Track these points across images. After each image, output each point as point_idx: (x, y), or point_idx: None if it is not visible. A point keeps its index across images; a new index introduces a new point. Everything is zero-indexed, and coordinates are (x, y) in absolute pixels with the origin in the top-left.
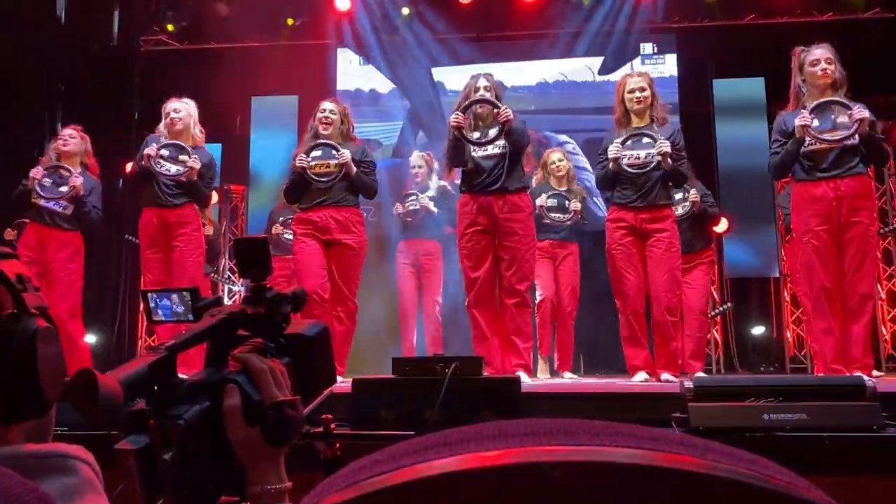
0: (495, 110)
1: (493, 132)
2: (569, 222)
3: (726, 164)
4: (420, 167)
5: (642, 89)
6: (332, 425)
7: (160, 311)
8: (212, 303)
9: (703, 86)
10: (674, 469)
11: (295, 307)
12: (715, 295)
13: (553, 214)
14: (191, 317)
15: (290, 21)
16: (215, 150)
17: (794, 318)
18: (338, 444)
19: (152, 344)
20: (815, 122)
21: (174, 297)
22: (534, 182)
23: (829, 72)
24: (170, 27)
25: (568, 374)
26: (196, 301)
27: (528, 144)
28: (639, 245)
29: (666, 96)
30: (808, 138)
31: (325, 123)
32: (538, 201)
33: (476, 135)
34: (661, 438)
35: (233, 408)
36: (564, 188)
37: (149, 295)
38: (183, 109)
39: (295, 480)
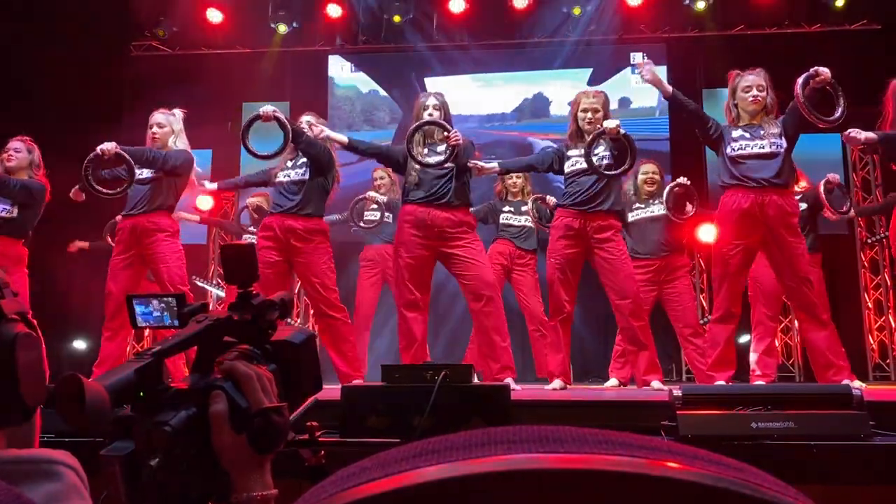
0: (444, 133)
1: (439, 152)
2: (528, 223)
3: (715, 174)
4: (382, 179)
5: (595, 111)
6: (318, 432)
7: (144, 317)
8: (197, 308)
9: (692, 95)
10: (662, 477)
11: (282, 313)
12: (704, 304)
13: (512, 218)
14: (176, 322)
15: (281, 27)
16: (205, 155)
17: (781, 327)
18: (322, 452)
19: (140, 350)
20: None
21: (158, 302)
22: (495, 191)
23: (759, 98)
24: (161, 33)
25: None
26: (182, 307)
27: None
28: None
29: (656, 105)
30: (735, 145)
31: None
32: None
33: (424, 150)
34: (649, 446)
35: (219, 414)
36: (519, 199)
37: (133, 300)
38: (166, 124)
39: (279, 488)
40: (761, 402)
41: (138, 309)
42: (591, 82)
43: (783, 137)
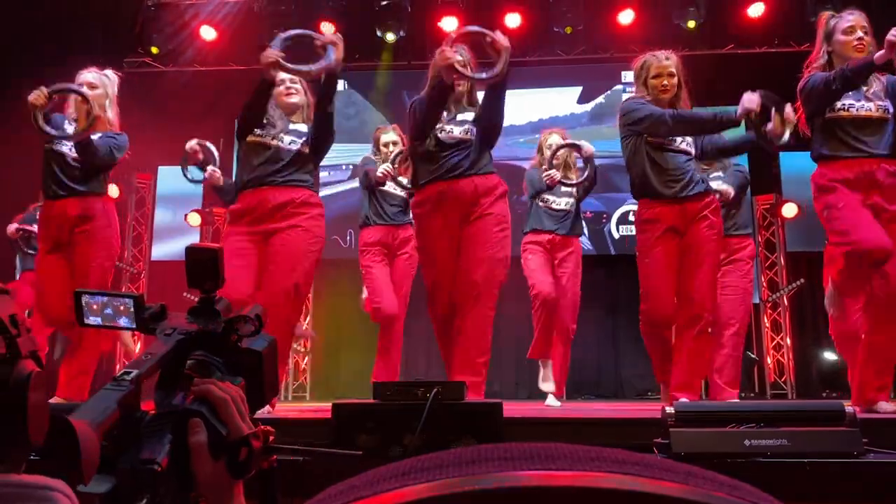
0: (488, 38)
1: (467, 114)
2: (570, 207)
3: None
4: (395, 143)
5: (672, 75)
6: (271, 437)
7: (94, 317)
8: (158, 313)
9: None
10: (657, 494)
11: (257, 328)
12: None
13: (552, 201)
14: (133, 326)
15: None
16: (195, 173)
17: (773, 343)
18: (274, 457)
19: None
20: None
21: (112, 302)
22: (529, 165)
23: (865, 42)
24: (154, 50)
25: (551, 400)
26: (140, 310)
27: (501, 128)
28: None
29: None
30: (846, 102)
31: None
32: (547, 175)
33: (445, 115)
34: (643, 464)
35: (200, 444)
36: (561, 174)
37: (83, 297)
38: (100, 85)
39: None
40: (754, 420)
41: (87, 306)
42: (580, 101)
43: (889, 98)
